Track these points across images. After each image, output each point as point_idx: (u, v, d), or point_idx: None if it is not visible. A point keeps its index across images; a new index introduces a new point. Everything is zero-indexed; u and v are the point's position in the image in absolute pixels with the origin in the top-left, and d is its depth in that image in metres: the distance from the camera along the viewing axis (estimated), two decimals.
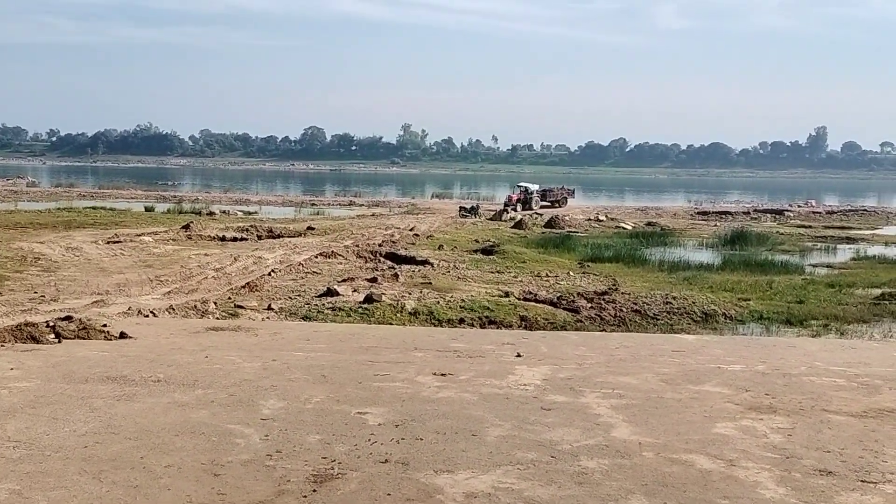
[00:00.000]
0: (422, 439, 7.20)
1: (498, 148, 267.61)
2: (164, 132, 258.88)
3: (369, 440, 7.14)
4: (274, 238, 32.01)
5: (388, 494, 5.95)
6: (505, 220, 43.72)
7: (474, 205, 50.02)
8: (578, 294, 19.70)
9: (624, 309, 18.53)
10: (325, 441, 7.10)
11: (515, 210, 48.83)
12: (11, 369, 9.49)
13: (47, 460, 6.48)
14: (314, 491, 5.99)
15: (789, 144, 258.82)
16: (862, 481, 6.50)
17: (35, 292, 17.88)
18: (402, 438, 7.21)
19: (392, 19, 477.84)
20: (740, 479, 6.48)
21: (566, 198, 54.10)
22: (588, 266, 26.02)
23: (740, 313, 18.74)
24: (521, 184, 56.92)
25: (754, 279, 23.59)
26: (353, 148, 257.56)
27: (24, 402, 8.08)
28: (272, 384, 9.09)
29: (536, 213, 47.25)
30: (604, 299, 19.16)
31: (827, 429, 7.92)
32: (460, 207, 50.05)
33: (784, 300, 20.32)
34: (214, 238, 31.24)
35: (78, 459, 6.51)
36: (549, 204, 52.23)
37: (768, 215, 55.48)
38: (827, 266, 28.67)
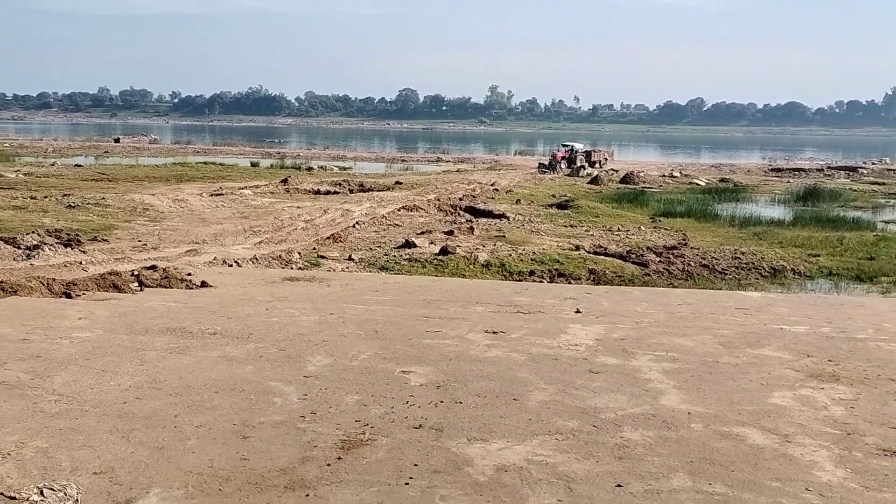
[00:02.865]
0: (461, 403, 6.47)
1: (580, 108, 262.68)
2: (273, 94, 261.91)
3: (407, 402, 6.45)
4: (363, 192, 31.54)
5: (415, 465, 5.24)
6: (582, 176, 42.32)
7: (552, 161, 48.41)
8: (648, 248, 18.70)
9: (692, 263, 17.46)
10: (363, 402, 6.44)
11: (561, 168, 46.70)
12: (80, 318, 9.12)
13: (83, 416, 5.99)
14: (339, 459, 5.33)
15: (865, 104, 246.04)
16: None
17: (139, 241, 17.81)
18: (441, 401, 6.49)
19: None
20: (795, 457, 5.55)
21: (607, 159, 51.94)
22: (659, 221, 24.83)
23: (809, 269, 17.44)
24: (566, 143, 54.64)
25: (825, 235, 22.05)
26: (444, 108, 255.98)
27: (80, 353, 7.66)
28: (324, 339, 8.48)
29: (582, 169, 45.24)
30: (672, 254, 18.14)
31: (894, 401, 6.85)
32: (539, 163, 48.69)
33: (854, 256, 18.87)
34: (309, 192, 30.95)
35: (113, 416, 6.01)
36: (589, 164, 49.53)
37: (842, 172, 52.55)
38: None
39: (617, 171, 46.19)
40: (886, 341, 9.15)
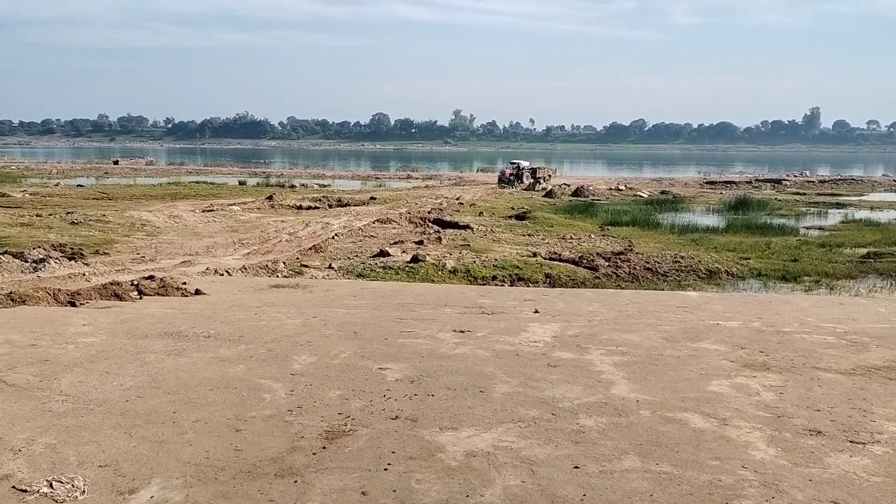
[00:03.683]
0: (433, 395, 6.45)
1: (535, 129, 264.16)
2: (258, 119, 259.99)
3: (384, 396, 6.42)
4: (341, 206, 31.41)
5: (393, 452, 5.22)
6: (538, 191, 42.47)
7: (510, 176, 48.33)
8: (597, 254, 18.83)
9: (637, 267, 17.60)
10: (344, 397, 6.40)
11: (516, 184, 46.83)
12: (84, 325, 8.95)
13: (89, 414, 5.89)
14: (324, 448, 5.29)
15: (787, 123, 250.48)
16: (851, 441, 5.59)
17: (137, 253, 17.57)
18: (415, 394, 6.46)
19: (442, 21, 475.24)
20: (732, 438, 5.61)
21: (550, 176, 51.96)
22: (608, 230, 25.02)
23: (741, 270, 17.67)
24: (513, 160, 54.61)
25: (754, 240, 22.38)
26: (413, 130, 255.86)
27: (85, 357, 7.52)
28: (308, 340, 8.41)
29: (538, 184, 45.34)
30: (620, 259, 18.28)
31: (817, 387, 6.96)
32: (499, 179, 48.81)
33: (780, 259, 19.17)
34: (292, 207, 30.76)
35: (117, 413, 5.91)
36: (534, 179, 49.41)
37: (768, 184, 53.32)
38: (819, 228, 27.08)
39: (569, 185, 46.40)
40: (810, 333, 9.29)
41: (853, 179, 60.70)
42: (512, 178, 47.43)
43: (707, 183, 55.26)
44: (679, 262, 18.04)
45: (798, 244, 21.71)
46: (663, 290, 15.22)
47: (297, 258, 17.53)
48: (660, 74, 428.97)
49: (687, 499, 4.59)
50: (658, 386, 6.85)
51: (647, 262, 17.92)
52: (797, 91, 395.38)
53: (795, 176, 65.57)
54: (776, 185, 52.40)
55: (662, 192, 43.91)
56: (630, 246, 20.69)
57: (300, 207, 30.50)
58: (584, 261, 18.00)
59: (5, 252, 14.79)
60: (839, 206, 37.34)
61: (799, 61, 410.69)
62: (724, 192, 45.50)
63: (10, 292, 10.78)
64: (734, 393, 6.70)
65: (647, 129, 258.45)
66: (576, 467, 5.02)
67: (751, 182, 55.47)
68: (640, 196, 41.21)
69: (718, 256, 19.01)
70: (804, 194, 44.66)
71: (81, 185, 40.61)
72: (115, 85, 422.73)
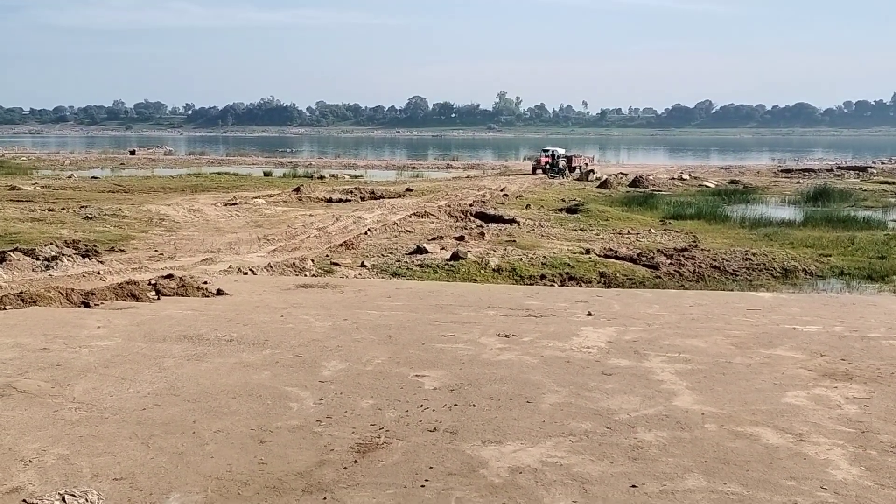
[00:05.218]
0: (474, 406, 6.47)
1: (588, 112, 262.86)
2: (284, 104, 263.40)
3: (421, 406, 6.45)
4: (375, 199, 31.55)
5: (431, 468, 5.24)
6: (591, 181, 42.23)
7: (546, 165, 48.09)
8: (658, 251, 18.61)
9: (703, 265, 17.37)
10: (378, 406, 6.44)
11: (545, 172, 46.67)
12: (98, 327, 9.16)
13: (103, 423, 6.02)
14: (355, 462, 5.34)
15: (873, 103, 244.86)
16: None
17: (155, 250, 17.87)
18: (455, 405, 6.48)
19: None
20: (810, 456, 5.51)
21: (587, 164, 51.30)
22: (669, 223, 24.73)
23: (821, 269, 17.31)
24: (547, 147, 54.19)
25: (836, 235, 21.90)
26: (453, 115, 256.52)
27: (100, 362, 7.69)
28: (338, 344, 8.49)
29: (591, 174, 44.98)
30: (683, 256, 18.05)
31: None
32: (541, 168, 48.71)
33: (866, 256, 18.73)
34: (321, 200, 31.00)
35: (133, 423, 6.04)
36: (569, 169, 48.92)
37: (852, 172, 52.18)
38: None
39: (626, 174, 46.05)
40: None
41: None
42: (549, 166, 47.33)
43: (782, 171, 54.34)
44: (750, 259, 17.77)
45: (886, 239, 21.20)
46: (732, 290, 15.00)
47: (327, 255, 17.68)
48: (728, 51, 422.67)
49: None
50: (726, 397, 6.77)
51: (714, 260, 17.69)
52: (885, 68, 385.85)
53: (883, 163, 64.10)
54: (861, 174, 51.28)
55: (731, 182, 43.30)
56: (695, 241, 20.43)
57: (330, 200, 30.73)
58: (643, 258, 17.83)
59: (16, 249, 15.16)
60: None
61: (888, 34, 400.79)
62: (801, 181, 44.71)
63: (21, 292, 11.06)
64: (812, 405, 6.59)
65: (713, 111, 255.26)
66: (633, 486, 4.98)
67: (832, 170, 54.40)
68: (707, 186, 40.67)
69: (795, 253, 18.68)
70: (893, 183, 43.56)
71: (96, 177, 41.52)
72: (131, 69, 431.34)
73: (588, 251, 18.77)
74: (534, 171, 48.10)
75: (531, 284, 15.35)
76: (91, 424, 6.00)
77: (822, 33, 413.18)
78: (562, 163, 48.31)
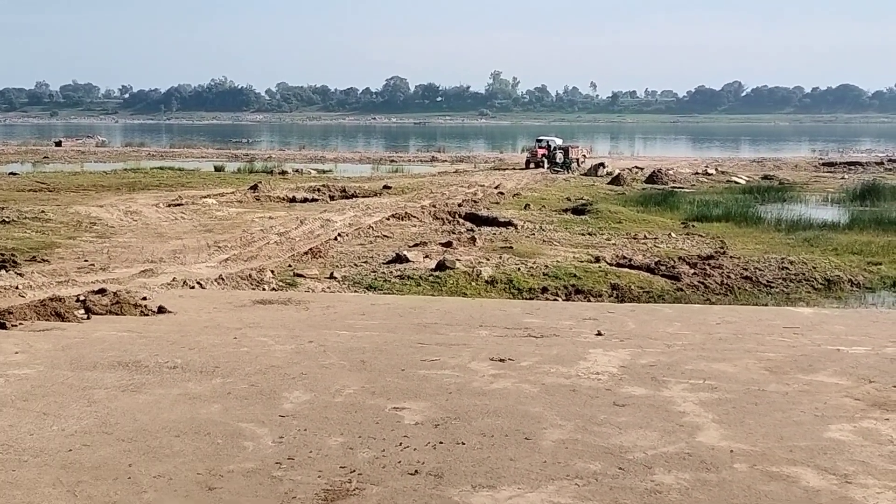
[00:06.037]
0: (463, 444, 6.49)
1: (597, 96, 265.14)
2: (239, 86, 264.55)
3: (400, 444, 6.47)
4: (347, 198, 31.76)
5: None
6: (601, 176, 42.48)
7: (542, 157, 48.37)
8: (680, 258, 18.81)
9: (732, 275, 17.54)
10: (349, 445, 6.46)
11: (541, 165, 47.08)
12: (16, 353, 9.14)
13: (22, 467, 6.00)
14: None
15: None
16: None
17: (85, 260, 17.86)
18: (440, 442, 6.51)
19: None
20: (856, 500, 5.56)
21: (585, 155, 51.87)
22: (693, 226, 24.96)
23: (870, 280, 17.52)
24: (541, 137, 54.63)
25: (887, 240, 22.13)
26: (439, 99, 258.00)
27: (18, 394, 7.68)
28: (302, 371, 8.51)
29: (601, 168, 45.31)
30: (709, 264, 18.23)
31: None
32: (526, 162, 49.08)
33: None
34: (283, 199, 31.21)
35: (57, 467, 6.02)
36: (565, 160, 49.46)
37: None
38: None
39: (642, 168, 46.34)
40: None
41: None
42: (546, 159, 47.68)
43: (824, 164, 54.85)
44: (787, 268, 17.95)
45: None
46: (766, 305, 15.14)
47: (290, 266, 17.75)
48: (761, 25, 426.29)
49: None
50: (758, 432, 6.82)
51: (746, 269, 17.85)
52: None
53: None
54: None
55: (765, 178, 43.68)
56: (722, 248, 20.64)
57: (293, 200, 30.92)
58: (663, 267, 17.99)
59: None
60: None
61: None
62: (846, 176, 45.14)
63: None
64: (860, 441, 6.64)
65: (744, 94, 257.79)
66: None
67: (882, 163, 54.90)
68: (736, 182, 41.02)
69: (839, 261, 18.86)
70: None
71: (14, 174, 41.35)
72: (56, 45, 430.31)
73: (598, 259, 18.93)
74: (527, 165, 48.50)
75: (531, 299, 15.44)
76: (7, 469, 5.98)
77: (869, 4, 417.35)
78: (559, 155, 48.58)
